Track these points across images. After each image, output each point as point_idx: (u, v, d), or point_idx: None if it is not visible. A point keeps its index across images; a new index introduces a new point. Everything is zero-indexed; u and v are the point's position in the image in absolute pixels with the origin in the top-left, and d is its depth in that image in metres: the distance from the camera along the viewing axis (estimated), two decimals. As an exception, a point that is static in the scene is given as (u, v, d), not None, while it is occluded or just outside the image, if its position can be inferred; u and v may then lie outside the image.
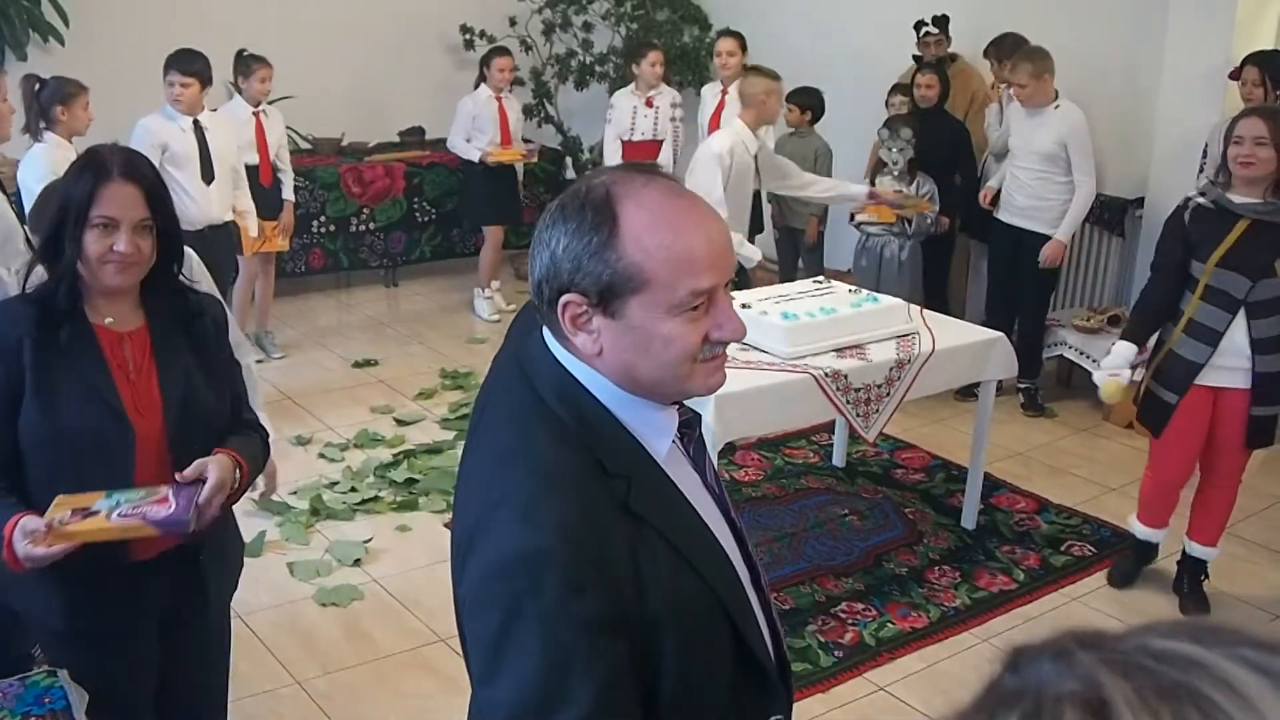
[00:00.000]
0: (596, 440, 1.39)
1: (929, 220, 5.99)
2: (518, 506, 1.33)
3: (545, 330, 1.46)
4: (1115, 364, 4.04)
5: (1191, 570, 4.26)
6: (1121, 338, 4.10)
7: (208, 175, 5.62)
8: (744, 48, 6.72)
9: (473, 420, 1.58)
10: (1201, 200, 3.87)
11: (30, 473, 2.29)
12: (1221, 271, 3.80)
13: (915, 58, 6.35)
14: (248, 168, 6.23)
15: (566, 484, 1.35)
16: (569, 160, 8.72)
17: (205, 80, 5.56)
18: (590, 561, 1.30)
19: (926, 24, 6.53)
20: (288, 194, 6.58)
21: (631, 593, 1.33)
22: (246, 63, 6.31)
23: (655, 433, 1.44)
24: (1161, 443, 4.10)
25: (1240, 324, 3.83)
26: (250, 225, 6.09)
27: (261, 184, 6.36)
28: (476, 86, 7.22)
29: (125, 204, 2.28)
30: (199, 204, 5.55)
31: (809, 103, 6.69)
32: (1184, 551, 4.28)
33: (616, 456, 1.39)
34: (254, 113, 6.34)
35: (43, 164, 4.83)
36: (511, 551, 1.30)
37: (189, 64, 5.49)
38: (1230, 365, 3.88)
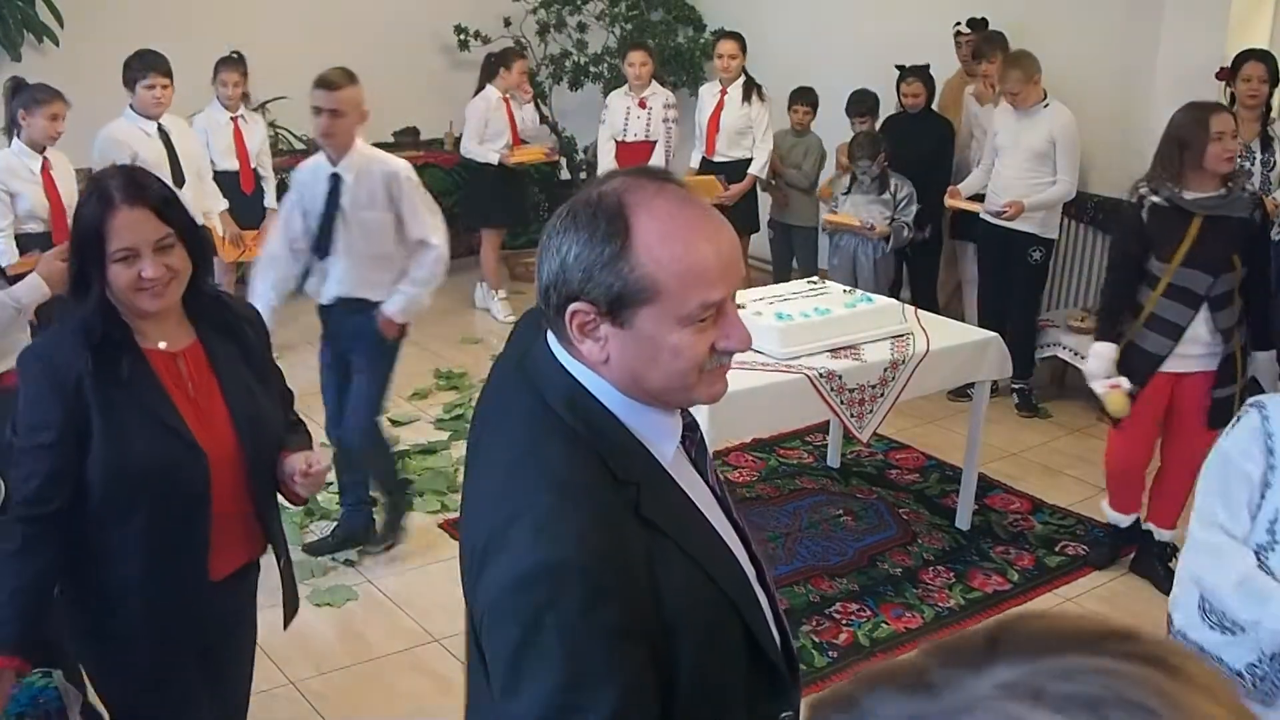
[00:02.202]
0: (605, 447, 1.39)
1: (906, 231, 6.01)
2: (534, 518, 1.32)
3: (550, 336, 1.46)
4: (1102, 368, 4.06)
5: (1160, 553, 4.34)
6: (1097, 339, 4.13)
7: (178, 179, 5.48)
8: (744, 49, 6.73)
9: (475, 427, 1.57)
10: (1156, 199, 3.91)
11: (98, 509, 2.22)
12: (1184, 270, 3.88)
13: (898, 66, 6.37)
14: (229, 174, 6.16)
15: (581, 493, 1.34)
16: (564, 161, 8.72)
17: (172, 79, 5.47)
18: (609, 570, 1.29)
19: (958, 25, 6.55)
20: (270, 201, 6.40)
21: (649, 599, 1.32)
22: (216, 67, 6.21)
23: (661, 437, 1.44)
24: (1121, 429, 4.17)
25: (1203, 317, 3.93)
26: (216, 225, 5.96)
27: (243, 191, 6.25)
28: (480, 88, 7.19)
29: (139, 229, 2.20)
30: None
31: (813, 101, 6.73)
32: (1148, 536, 4.39)
33: (625, 463, 1.39)
34: (232, 118, 6.24)
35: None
36: (530, 564, 1.29)
37: (162, 63, 5.34)
38: (1191, 353, 3.98)
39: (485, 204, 7.35)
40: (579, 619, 1.27)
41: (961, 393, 5.71)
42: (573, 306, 1.36)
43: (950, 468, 5.27)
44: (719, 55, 6.79)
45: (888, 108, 6.52)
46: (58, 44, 7.05)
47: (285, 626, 2.68)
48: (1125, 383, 4.01)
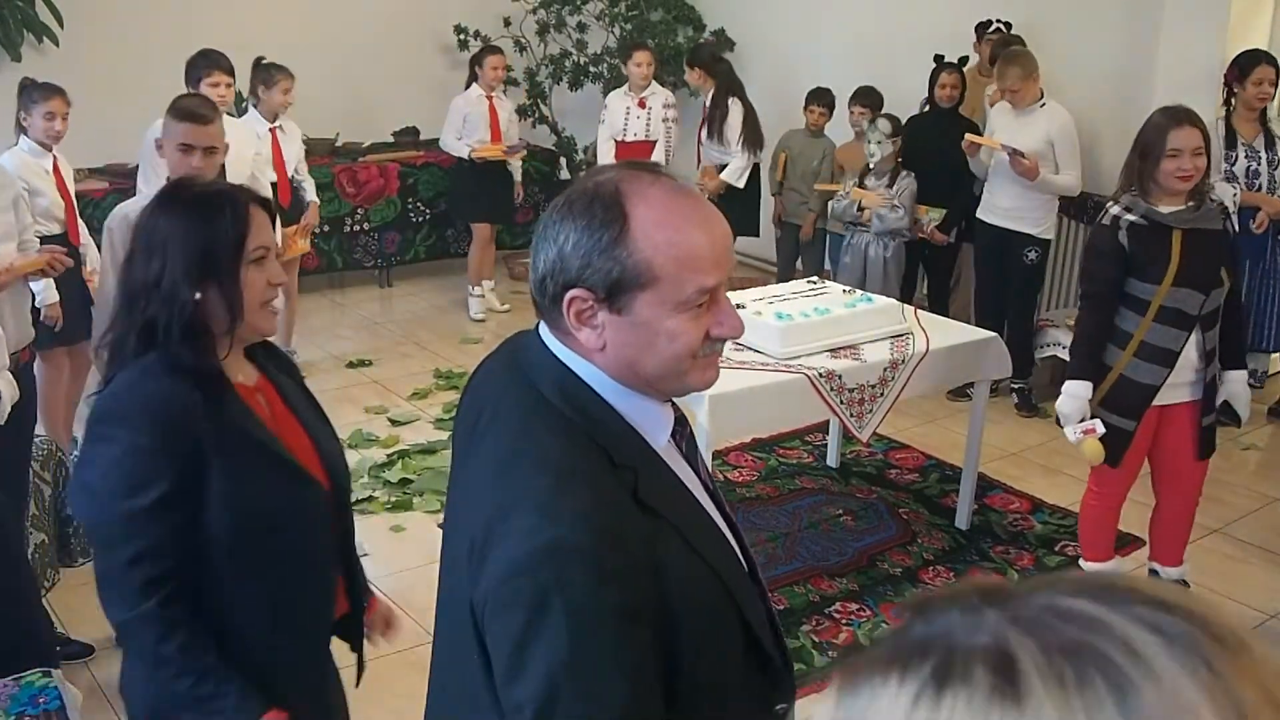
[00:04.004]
0: (601, 433, 1.39)
1: (902, 217, 5.96)
2: (534, 502, 1.32)
3: (542, 327, 1.47)
4: (1076, 409, 3.75)
5: None
6: (1070, 376, 3.80)
7: None
8: (710, 70, 6.87)
9: (464, 426, 1.56)
10: (1132, 217, 3.63)
11: (219, 569, 1.97)
12: (1176, 290, 3.60)
13: (937, 57, 6.31)
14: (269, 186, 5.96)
15: (579, 476, 1.34)
16: (563, 161, 8.72)
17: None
18: (614, 551, 1.29)
19: (997, 23, 6.46)
20: (311, 196, 6.43)
21: (652, 582, 1.32)
22: (268, 71, 6.07)
23: (654, 425, 1.45)
24: (1108, 470, 3.85)
25: (1194, 339, 3.67)
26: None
27: (280, 205, 5.99)
28: (468, 86, 7.23)
29: (268, 229, 2.04)
30: None
31: (829, 103, 6.72)
32: (1153, 575, 4.06)
33: (622, 448, 1.39)
34: (271, 128, 6.11)
35: (11, 172, 4.75)
36: (533, 546, 1.29)
37: (224, 61, 5.20)
38: (1180, 381, 3.72)
39: (466, 198, 7.40)
40: (586, 600, 1.26)
41: (961, 393, 5.72)
42: (571, 293, 1.37)
43: (950, 467, 5.28)
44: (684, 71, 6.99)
45: (889, 108, 6.51)
46: (58, 44, 7.05)
47: (357, 684, 2.45)
48: (1100, 426, 3.72)
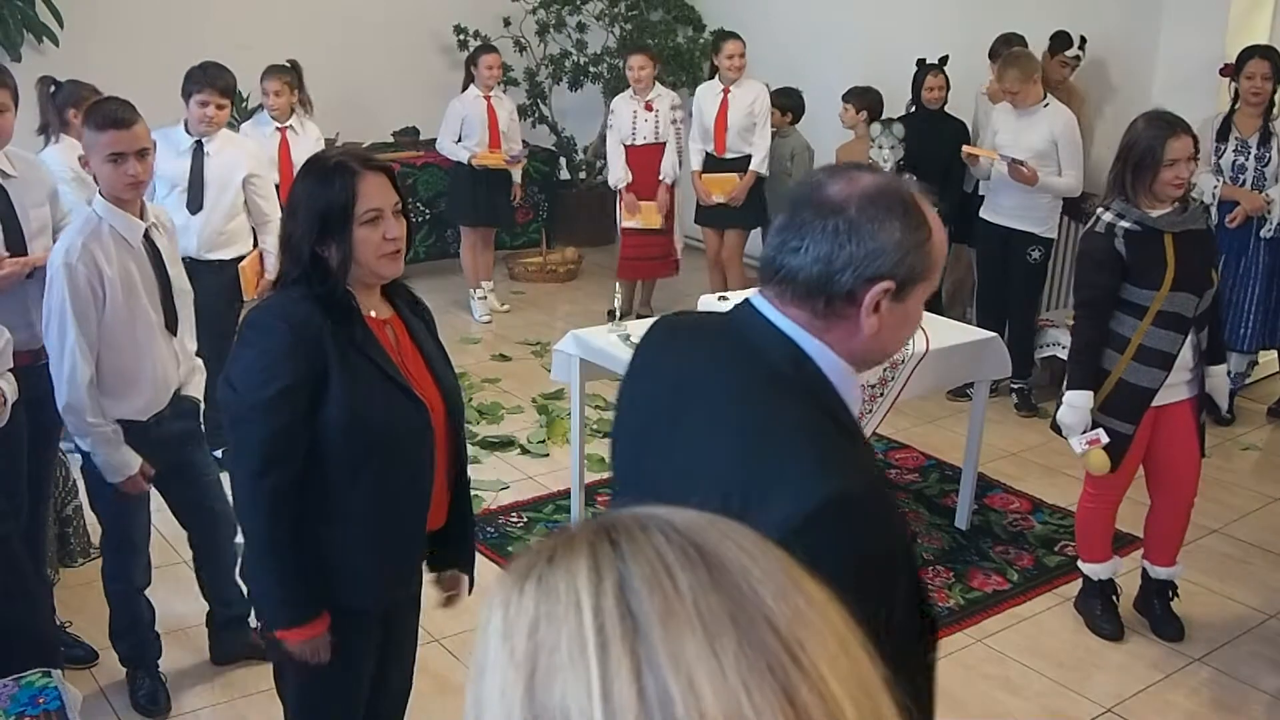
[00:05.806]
0: (831, 406, 1.48)
1: None
2: (810, 460, 1.36)
3: (766, 307, 1.52)
4: (1080, 420, 3.74)
5: (1160, 592, 4.05)
6: (1071, 386, 3.77)
7: (195, 203, 4.86)
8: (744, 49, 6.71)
9: (659, 405, 1.57)
10: (1126, 224, 3.61)
11: (330, 467, 2.32)
12: (1174, 295, 3.61)
13: (919, 61, 6.31)
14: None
15: (837, 437, 1.42)
16: (563, 161, 8.72)
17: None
18: (885, 503, 1.43)
19: (1078, 46, 6.27)
20: None
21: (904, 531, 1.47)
22: (263, 75, 5.94)
23: (854, 402, 1.54)
24: (1099, 479, 3.87)
25: (1190, 341, 3.69)
26: (268, 265, 5.05)
27: (283, 207, 5.64)
28: (465, 87, 7.20)
29: (383, 192, 2.35)
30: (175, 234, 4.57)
31: (789, 104, 6.72)
32: (1145, 574, 4.07)
33: (848, 423, 1.49)
34: (279, 128, 5.94)
35: (55, 166, 4.73)
36: (818, 500, 1.31)
37: (220, 79, 4.77)
38: (1176, 381, 3.73)
39: (463, 202, 7.31)
40: (873, 549, 1.33)
41: (961, 392, 5.72)
42: (883, 284, 1.45)
43: (950, 467, 5.28)
44: (729, 55, 6.66)
45: (890, 108, 6.51)
46: (57, 44, 7.06)
47: (470, 590, 2.75)
48: (1104, 436, 3.71)
